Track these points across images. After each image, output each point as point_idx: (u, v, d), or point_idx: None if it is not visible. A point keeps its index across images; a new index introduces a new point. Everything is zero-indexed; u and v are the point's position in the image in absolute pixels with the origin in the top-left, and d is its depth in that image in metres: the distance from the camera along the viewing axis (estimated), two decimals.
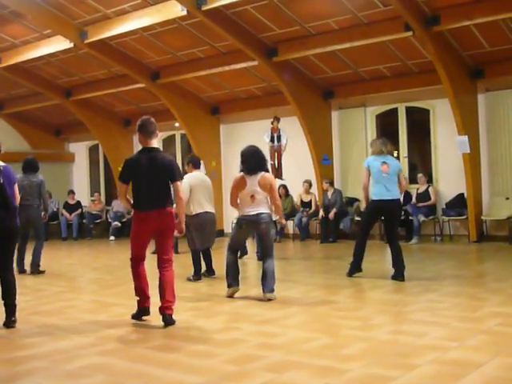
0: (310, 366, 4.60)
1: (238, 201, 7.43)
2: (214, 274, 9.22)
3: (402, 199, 8.87)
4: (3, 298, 6.30)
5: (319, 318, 6.32)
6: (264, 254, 7.55)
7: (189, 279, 8.92)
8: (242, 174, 7.37)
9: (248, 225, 7.39)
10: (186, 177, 8.95)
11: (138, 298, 6.38)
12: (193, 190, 8.86)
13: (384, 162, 8.38)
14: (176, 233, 6.40)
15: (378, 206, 8.43)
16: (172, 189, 6.29)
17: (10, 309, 6.25)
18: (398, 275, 8.25)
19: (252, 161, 7.34)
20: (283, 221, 8.39)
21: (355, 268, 8.62)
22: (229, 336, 5.63)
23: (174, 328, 5.97)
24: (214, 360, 4.85)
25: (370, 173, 8.44)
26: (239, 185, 7.35)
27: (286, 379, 4.36)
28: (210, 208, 9.08)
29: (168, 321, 6.06)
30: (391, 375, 4.29)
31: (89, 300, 7.95)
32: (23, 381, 4.53)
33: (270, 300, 7.20)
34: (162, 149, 20.00)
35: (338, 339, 5.37)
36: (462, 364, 4.50)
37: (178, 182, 6.30)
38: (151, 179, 6.16)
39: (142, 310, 6.37)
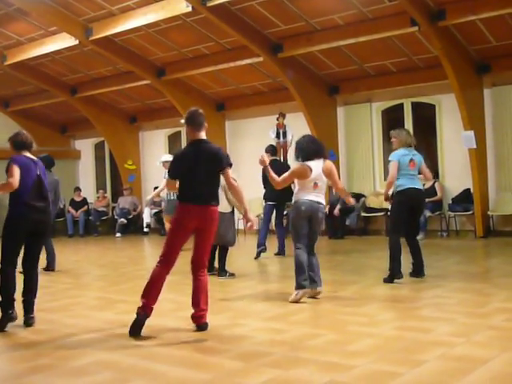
0: (316, 362, 4.59)
1: (298, 187, 7.07)
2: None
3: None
4: (24, 295, 6.14)
5: (325, 314, 6.32)
6: (312, 247, 7.28)
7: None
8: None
9: (307, 211, 6.99)
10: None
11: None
12: None
13: (411, 160, 8.02)
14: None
15: (408, 193, 7.95)
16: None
17: (30, 306, 6.15)
18: (421, 271, 8.08)
19: (312, 146, 7.10)
20: (351, 199, 7.90)
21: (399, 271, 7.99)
22: (235, 332, 5.63)
23: (180, 325, 5.96)
24: (220, 356, 4.85)
25: (399, 167, 8.01)
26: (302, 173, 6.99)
27: (291, 375, 4.36)
28: None
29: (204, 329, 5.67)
30: (397, 371, 4.28)
31: (95, 297, 7.96)
32: (30, 378, 4.53)
33: (320, 293, 7.06)
34: (167, 146, 19.86)
35: (344, 335, 5.35)
36: (469, 360, 4.49)
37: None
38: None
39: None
